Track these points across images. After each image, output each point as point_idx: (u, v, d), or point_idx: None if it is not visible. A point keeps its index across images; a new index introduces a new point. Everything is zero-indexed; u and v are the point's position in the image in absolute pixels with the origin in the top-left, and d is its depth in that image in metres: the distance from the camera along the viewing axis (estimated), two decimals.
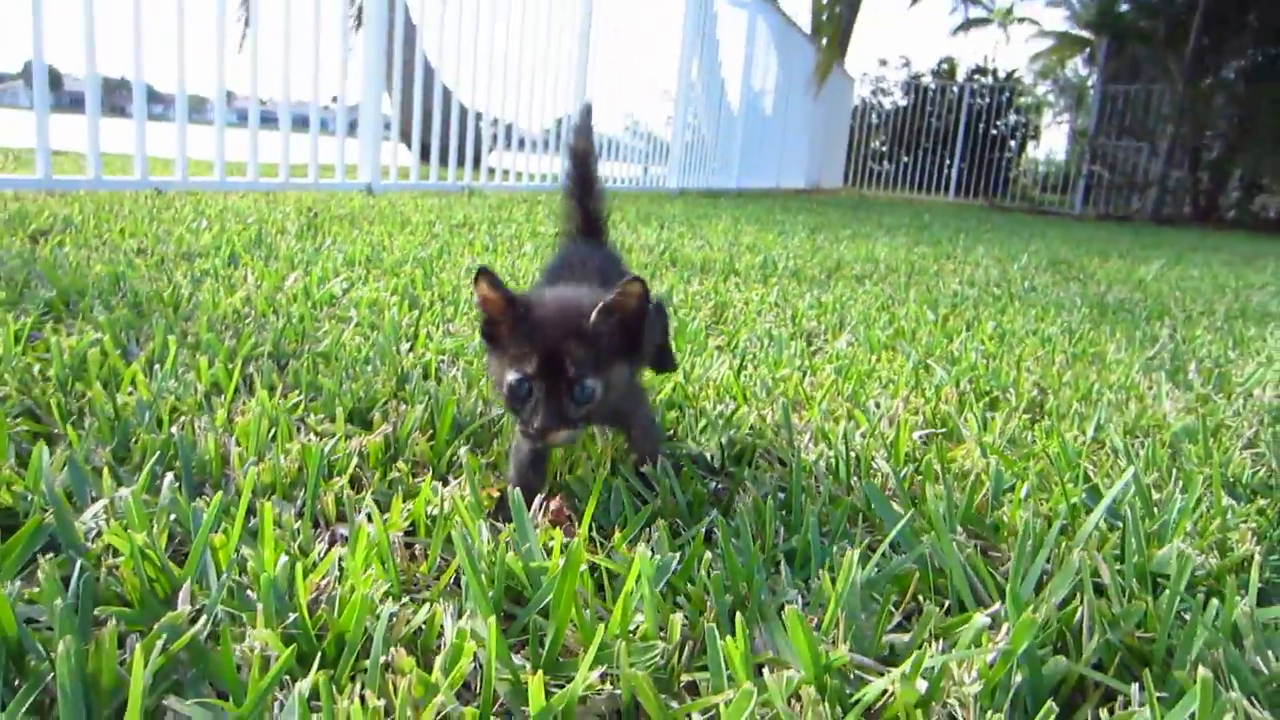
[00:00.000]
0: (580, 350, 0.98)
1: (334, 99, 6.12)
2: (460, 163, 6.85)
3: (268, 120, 5.98)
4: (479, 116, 7.11)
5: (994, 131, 18.47)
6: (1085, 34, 20.10)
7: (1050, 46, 21.48)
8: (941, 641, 0.78)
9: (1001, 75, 19.62)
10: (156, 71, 5.04)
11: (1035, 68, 21.31)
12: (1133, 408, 1.79)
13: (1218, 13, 13.18)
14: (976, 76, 19.70)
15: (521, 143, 7.69)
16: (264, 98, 5.12)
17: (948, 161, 18.65)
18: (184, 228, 3.16)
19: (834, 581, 0.82)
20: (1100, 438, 1.56)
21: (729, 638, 0.70)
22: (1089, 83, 18.29)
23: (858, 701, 0.69)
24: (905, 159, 19.37)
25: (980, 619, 0.76)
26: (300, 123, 5.54)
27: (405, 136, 8.14)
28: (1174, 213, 14.02)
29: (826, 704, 0.67)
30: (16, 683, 0.68)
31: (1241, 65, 14.10)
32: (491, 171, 7.43)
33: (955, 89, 19.00)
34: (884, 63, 23.63)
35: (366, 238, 3.37)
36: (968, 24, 23.74)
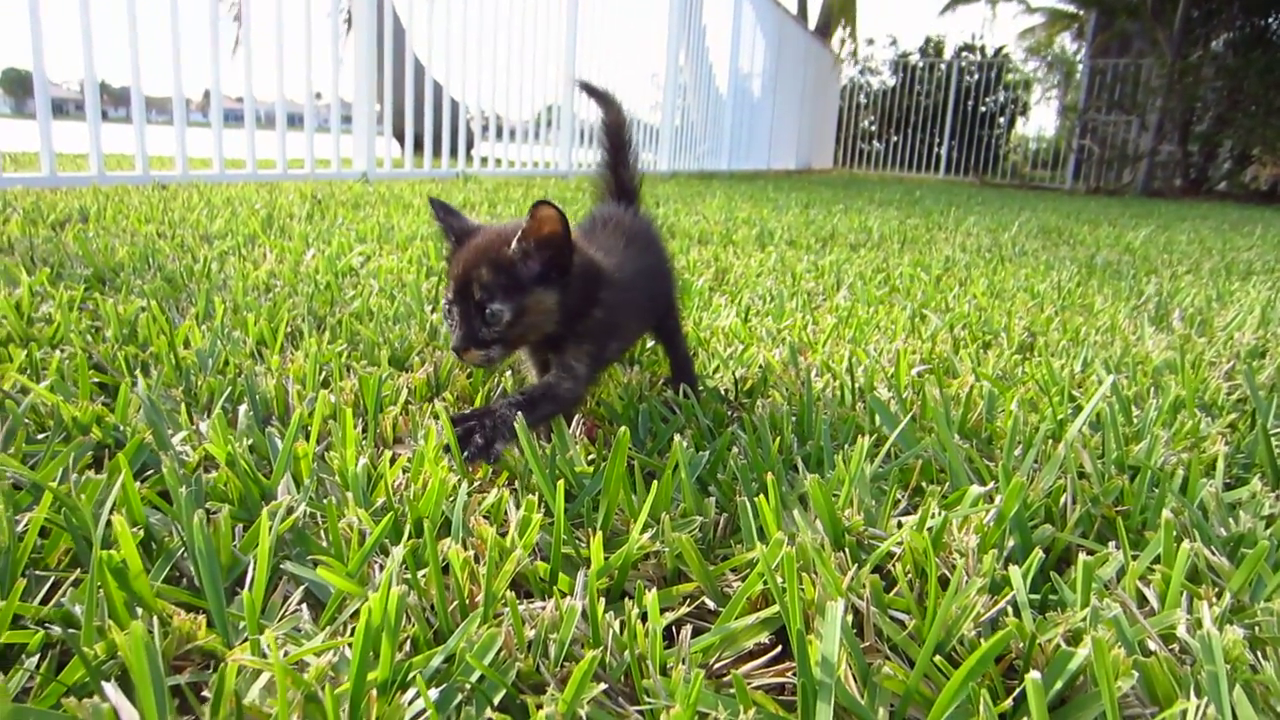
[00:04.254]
0: (490, 276, 1.06)
1: (318, 95, 6.21)
2: (453, 152, 6.94)
3: (264, 119, 6.08)
4: (468, 109, 7.19)
5: (983, 109, 18.51)
6: (1073, 9, 20.19)
7: (1038, 23, 21.58)
8: (943, 513, 0.89)
9: (990, 52, 19.68)
10: (151, 73, 5.12)
11: (1024, 44, 21.40)
12: (1118, 347, 1.90)
13: None
14: (965, 54, 19.75)
15: (513, 132, 7.78)
16: (260, 97, 5.23)
17: (937, 140, 18.71)
18: (196, 214, 3.25)
19: (848, 465, 0.93)
20: (1087, 371, 1.67)
21: (761, 496, 0.81)
22: (1077, 58, 18.37)
23: (870, 557, 0.80)
24: (895, 138, 19.42)
25: (976, 489, 0.87)
26: (296, 121, 5.64)
27: (398, 135, 8.23)
28: (1164, 186, 14.11)
29: (846, 555, 0.78)
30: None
31: (1230, 37, 14.15)
32: (484, 160, 7.51)
33: (943, 67, 19.04)
34: (871, 42, 23.66)
35: (373, 218, 3.47)
36: (954, 1, 23.77)
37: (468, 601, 0.72)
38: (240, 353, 1.40)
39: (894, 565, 0.80)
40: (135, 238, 2.62)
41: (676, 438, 0.92)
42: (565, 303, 1.11)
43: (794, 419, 1.24)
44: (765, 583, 0.72)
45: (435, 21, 6.61)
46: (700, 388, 1.38)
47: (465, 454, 0.94)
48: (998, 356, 1.71)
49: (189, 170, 4.85)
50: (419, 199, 4.53)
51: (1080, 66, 16.92)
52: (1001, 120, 19.08)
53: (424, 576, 0.72)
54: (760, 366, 1.53)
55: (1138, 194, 13.44)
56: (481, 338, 1.06)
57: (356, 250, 2.54)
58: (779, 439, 1.07)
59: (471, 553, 0.75)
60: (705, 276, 2.57)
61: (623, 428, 0.86)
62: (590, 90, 1.47)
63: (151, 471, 0.94)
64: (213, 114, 5.05)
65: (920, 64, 19.57)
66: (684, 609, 0.73)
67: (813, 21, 17.34)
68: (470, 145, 7.32)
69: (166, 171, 4.79)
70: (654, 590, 0.68)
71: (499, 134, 7.61)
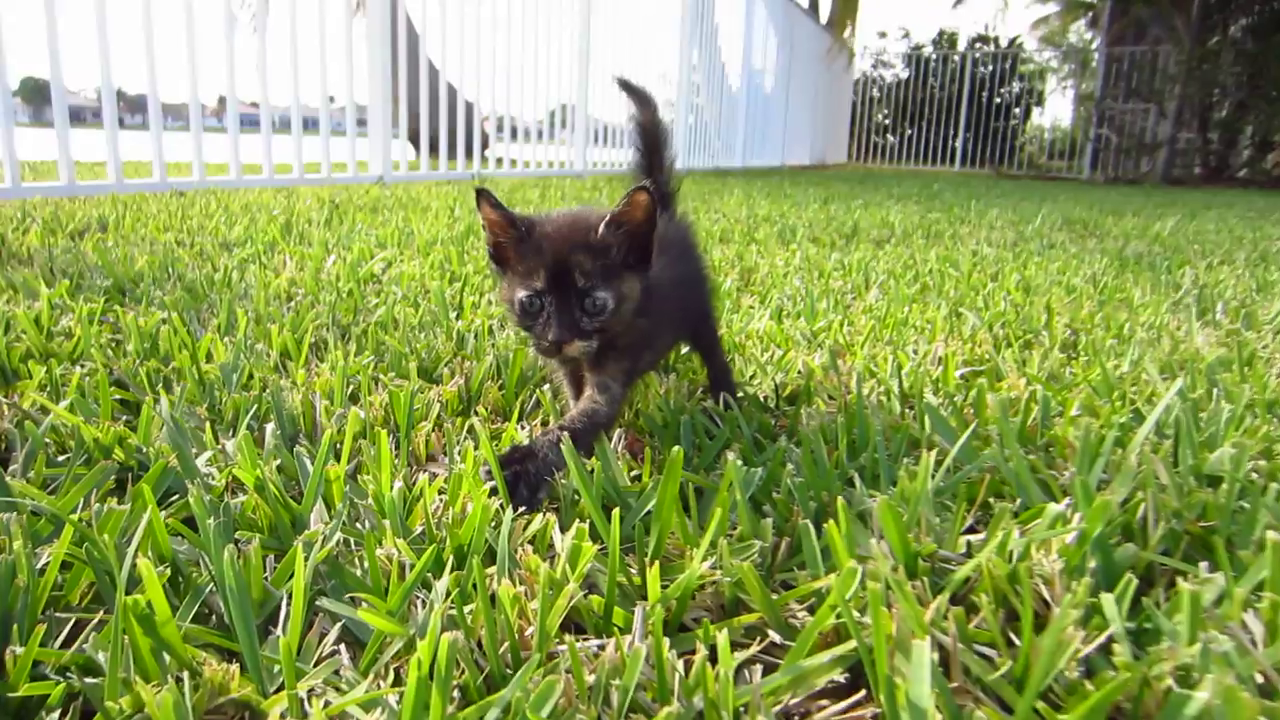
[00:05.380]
0: (589, 262, 1.00)
1: (331, 98, 6.19)
2: (468, 153, 6.91)
3: (279, 123, 6.08)
4: (482, 110, 7.18)
5: (998, 100, 18.32)
6: None
7: (1053, 11, 21.33)
8: (1017, 531, 0.83)
9: (1004, 43, 19.47)
10: (165, 79, 5.10)
11: (1038, 34, 21.17)
12: (1165, 344, 1.83)
13: None
14: (978, 45, 19.56)
15: (527, 133, 7.76)
16: (276, 102, 5.22)
17: (952, 132, 18.53)
18: (214, 222, 3.22)
19: (913, 481, 0.87)
20: (1135, 371, 1.60)
21: (831, 522, 0.76)
22: (1093, 46, 18.15)
23: (946, 585, 0.74)
24: (909, 131, 19.24)
25: (1055, 507, 0.81)
26: (311, 125, 5.63)
27: (413, 138, 8.22)
28: (1184, 174, 13.91)
29: (924, 583, 0.72)
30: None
31: (1249, 22, 13.92)
32: (499, 161, 7.49)
33: (957, 59, 18.84)
34: (883, 35, 23.37)
35: (392, 223, 3.43)
36: None
37: (519, 639, 0.66)
38: (264, 366, 1.36)
39: (972, 593, 0.75)
40: (154, 246, 2.59)
41: (730, 455, 0.86)
42: (644, 293, 1.06)
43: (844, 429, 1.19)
44: (838, 616, 0.67)
45: (449, 22, 6.58)
46: (740, 395, 1.33)
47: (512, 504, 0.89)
48: (1042, 357, 1.65)
49: (206, 176, 4.84)
50: (436, 202, 4.49)
51: (1096, 55, 16.71)
52: (1017, 111, 18.89)
53: (470, 613, 0.67)
54: (800, 372, 1.47)
55: (1157, 182, 13.26)
56: (584, 328, 1.00)
57: (378, 256, 2.49)
58: (835, 453, 1.02)
59: (521, 587, 0.70)
60: (732, 276, 2.51)
61: (676, 448, 0.81)
62: (627, 88, 1.39)
63: (176, 496, 0.90)
64: (229, 119, 5.04)
65: (933, 56, 19.39)
66: (755, 647, 0.68)
67: (824, 16, 17.19)
68: (485, 146, 7.29)
69: (184, 178, 4.78)
70: (724, 631, 0.63)
71: (513, 134, 7.59)
